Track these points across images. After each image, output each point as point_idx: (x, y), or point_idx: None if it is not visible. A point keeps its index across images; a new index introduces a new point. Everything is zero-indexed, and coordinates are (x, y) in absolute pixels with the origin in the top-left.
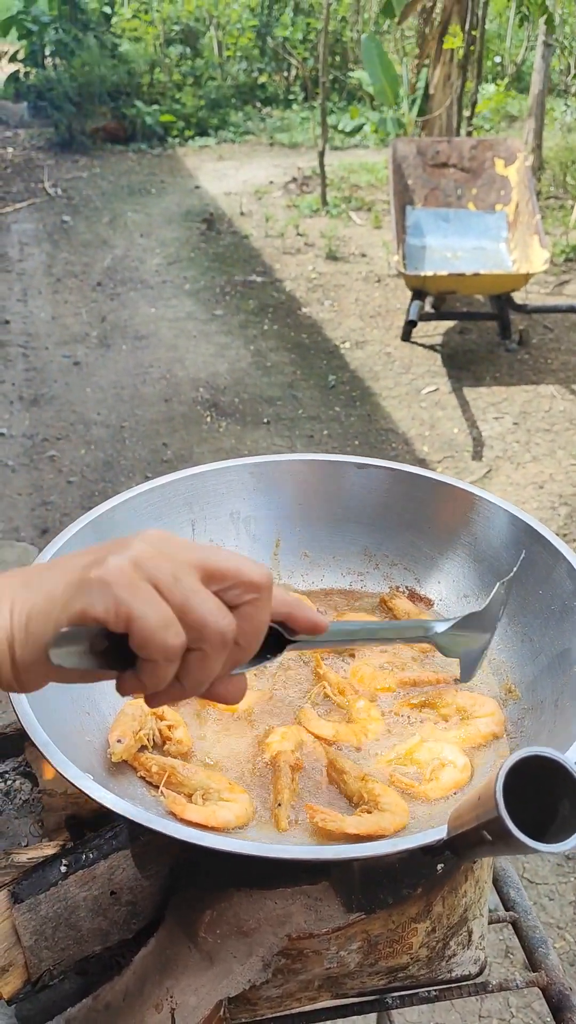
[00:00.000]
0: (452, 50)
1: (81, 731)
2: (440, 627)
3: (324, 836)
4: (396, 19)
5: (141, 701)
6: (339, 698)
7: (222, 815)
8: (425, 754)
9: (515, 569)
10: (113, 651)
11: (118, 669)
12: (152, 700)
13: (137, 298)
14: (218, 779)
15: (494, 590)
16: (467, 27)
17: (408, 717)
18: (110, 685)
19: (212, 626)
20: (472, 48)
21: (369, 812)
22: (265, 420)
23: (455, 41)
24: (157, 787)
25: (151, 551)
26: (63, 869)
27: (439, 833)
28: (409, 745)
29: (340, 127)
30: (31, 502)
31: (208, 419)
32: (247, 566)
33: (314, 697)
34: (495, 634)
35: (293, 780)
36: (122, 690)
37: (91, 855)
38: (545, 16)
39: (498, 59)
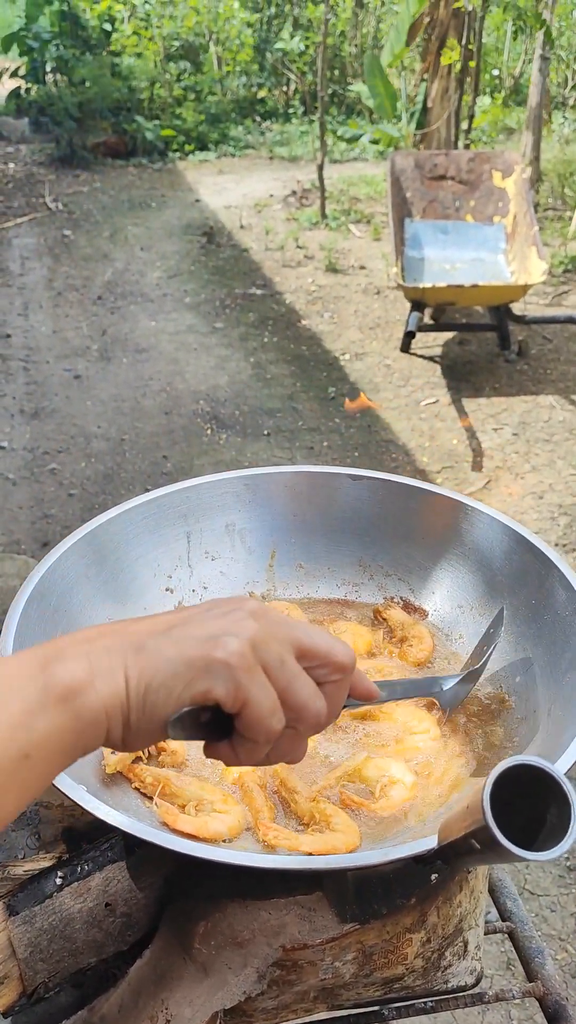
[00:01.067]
0: (450, 64)
1: None
2: (448, 683)
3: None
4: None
5: None
6: None
7: (214, 826)
8: (373, 771)
9: (501, 630)
10: (214, 721)
11: (215, 738)
12: (233, 763)
13: (137, 311)
14: (211, 791)
15: (489, 651)
16: (464, 41)
17: (346, 728)
18: None
19: (311, 710)
20: (471, 63)
21: (321, 832)
22: (265, 432)
23: (452, 55)
24: (151, 798)
25: (263, 632)
26: (58, 881)
27: (430, 842)
28: (356, 762)
29: (340, 134)
30: (32, 515)
31: (208, 431)
32: (338, 648)
33: None
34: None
35: (267, 798)
36: (212, 755)
37: (86, 867)
38: (543, 28)
39: (495, 72)
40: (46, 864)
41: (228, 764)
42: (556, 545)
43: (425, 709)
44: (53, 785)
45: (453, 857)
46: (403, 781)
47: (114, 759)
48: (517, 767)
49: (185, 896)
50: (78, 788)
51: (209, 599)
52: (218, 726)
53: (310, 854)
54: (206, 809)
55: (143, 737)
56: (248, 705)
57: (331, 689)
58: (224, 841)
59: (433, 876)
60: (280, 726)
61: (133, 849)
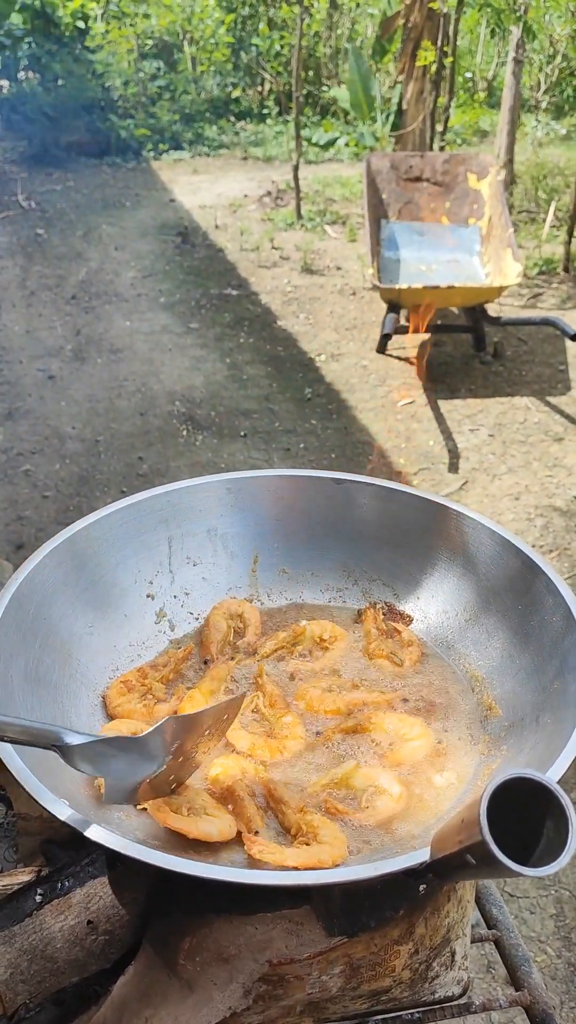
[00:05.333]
0: (425, 66)
1: None
2: (76, 739)
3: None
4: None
5: (121, 722)
6: (268, 711)
7: (204, 827)
8: (360, 780)
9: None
10: None
11: None
12: None
13: (112, 311)
14: (204, 797)
15: (160, 722)
16: (439, 43)
17: (340, 742)
18: (86, 709)
19: None
20: (449, 59)
21: (307, 844)
22: (242, 433)
23: (428, 56)
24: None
25: None
26: (38, 899)
27: (422, 856)
28: (345, 770)
29: (314, 140)
30: (5, 517)
31: (184, 433)
32: None
33: (245, 707)
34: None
35: (257, 808)
36: None
37: (67, 883)
38: (521, 24)
39: (469, 75)
40: (25, 878)
41: None
42: (534, 547)
43: (419, 717)
44: (34, 799)
45: (446, 871)
46: (389, 792)
47: None
48: (513, 780)
49: (169, 912)
50: (59, 803)
51: None
52: None
53: (296, 868)
54: (198, 812)
55: None
56: None
57: None
58: (213, 843)
59: (421, 888)
60: None
61: (115, 864)
